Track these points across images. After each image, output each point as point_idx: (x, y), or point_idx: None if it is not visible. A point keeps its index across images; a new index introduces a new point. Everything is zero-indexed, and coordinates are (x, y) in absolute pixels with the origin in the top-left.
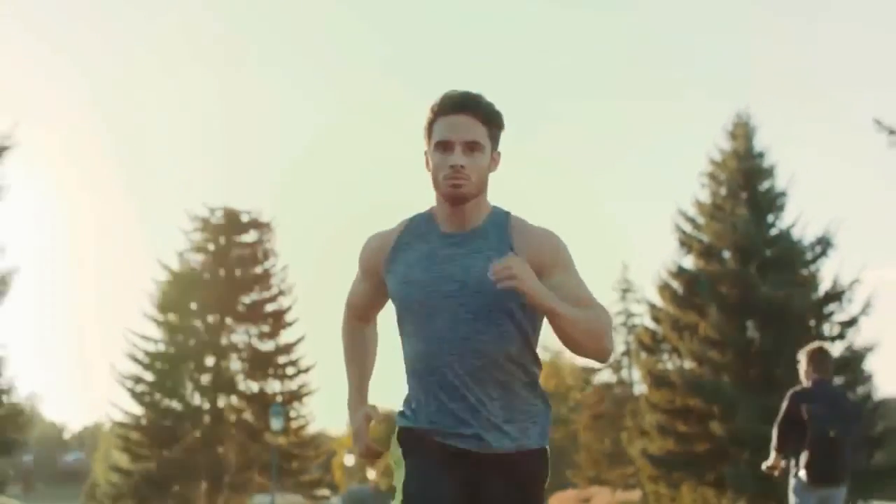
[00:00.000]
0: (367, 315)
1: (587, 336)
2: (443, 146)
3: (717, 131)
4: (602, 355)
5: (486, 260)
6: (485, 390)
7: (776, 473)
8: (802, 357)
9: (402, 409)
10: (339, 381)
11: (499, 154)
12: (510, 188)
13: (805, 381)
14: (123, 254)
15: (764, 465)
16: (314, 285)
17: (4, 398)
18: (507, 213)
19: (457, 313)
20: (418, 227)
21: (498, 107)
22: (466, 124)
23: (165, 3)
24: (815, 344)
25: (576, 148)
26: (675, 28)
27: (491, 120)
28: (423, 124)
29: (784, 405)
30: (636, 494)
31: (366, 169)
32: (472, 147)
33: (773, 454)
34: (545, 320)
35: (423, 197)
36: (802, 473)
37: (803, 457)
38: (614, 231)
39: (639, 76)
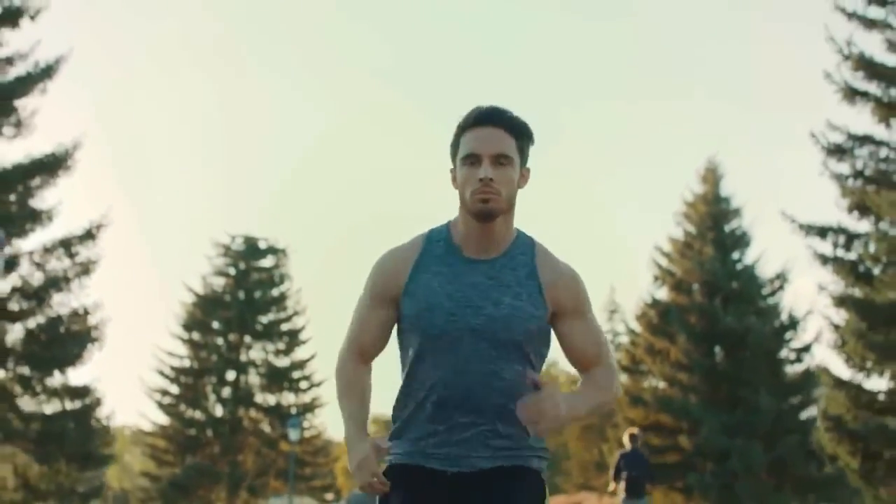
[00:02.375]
0: (372, 352)
1: (600, 411)
2: (470, 160)
3: (716, 140)
4: (607, 411)
5: (514, 297)
6: (498, 426)
7: (615, 493)
8: (625, 435)
9: (393, 441)
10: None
11: (528, 170)
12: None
13: (627, 446)
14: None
15: (609, 488)
16: (324, 305)
17: (105, 421)
18: (533, 243)
19: (480, 347)
20: (437, 248)
21: (526, 120)
22: (494, 136)
23: (164, 9)
24: (631, 429)
25: (577, 154)
26: (675, 33)
27: (520, 133)
28: (449, 141)
29: (614, 460)
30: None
31: (371, 183)
32: (500, 160)
33: (612, 482)
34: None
35: (428, 209)
36: (623, 494)
37: (622, 484)
38: (614, 238)
39: (639, 82)
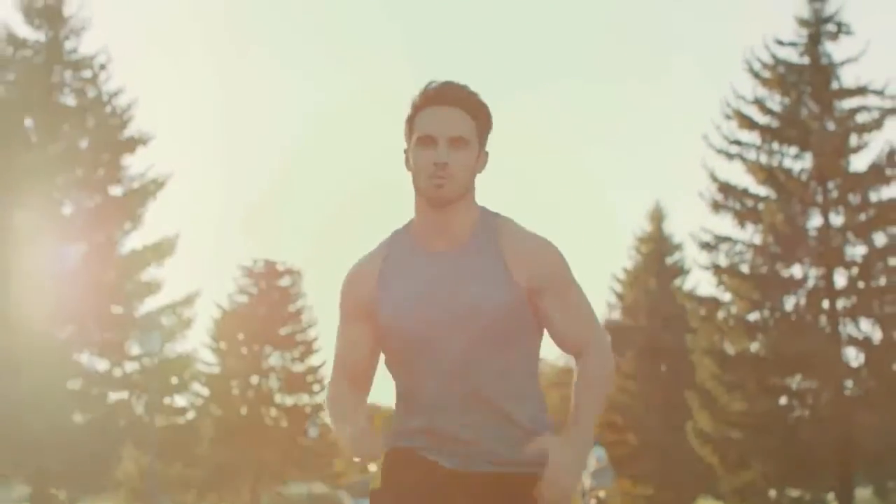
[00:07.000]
0: (359, 371)
1: (603, 403)
2: (425, 141)
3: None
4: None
5: (477, 283)
6: (482, 427)
7: None
8: None
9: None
10: None
11: (486, 154)
12: (497, 175)
13: None
14: None
15: None
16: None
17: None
18: (496, 223)
19: (453, 342)
20: (400, 251)
21: (486, 101)
22: (452, 117)
23: None
24: None
25: (563, 129)
26: (662, 5)
27: (479, 114)
28: (403, 119)
29: None
30: None
31: (373, 191)
32: (457, 143)
33: None
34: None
35: None
36: None
37: None
38: (603, 216)
39: (625, 55)
